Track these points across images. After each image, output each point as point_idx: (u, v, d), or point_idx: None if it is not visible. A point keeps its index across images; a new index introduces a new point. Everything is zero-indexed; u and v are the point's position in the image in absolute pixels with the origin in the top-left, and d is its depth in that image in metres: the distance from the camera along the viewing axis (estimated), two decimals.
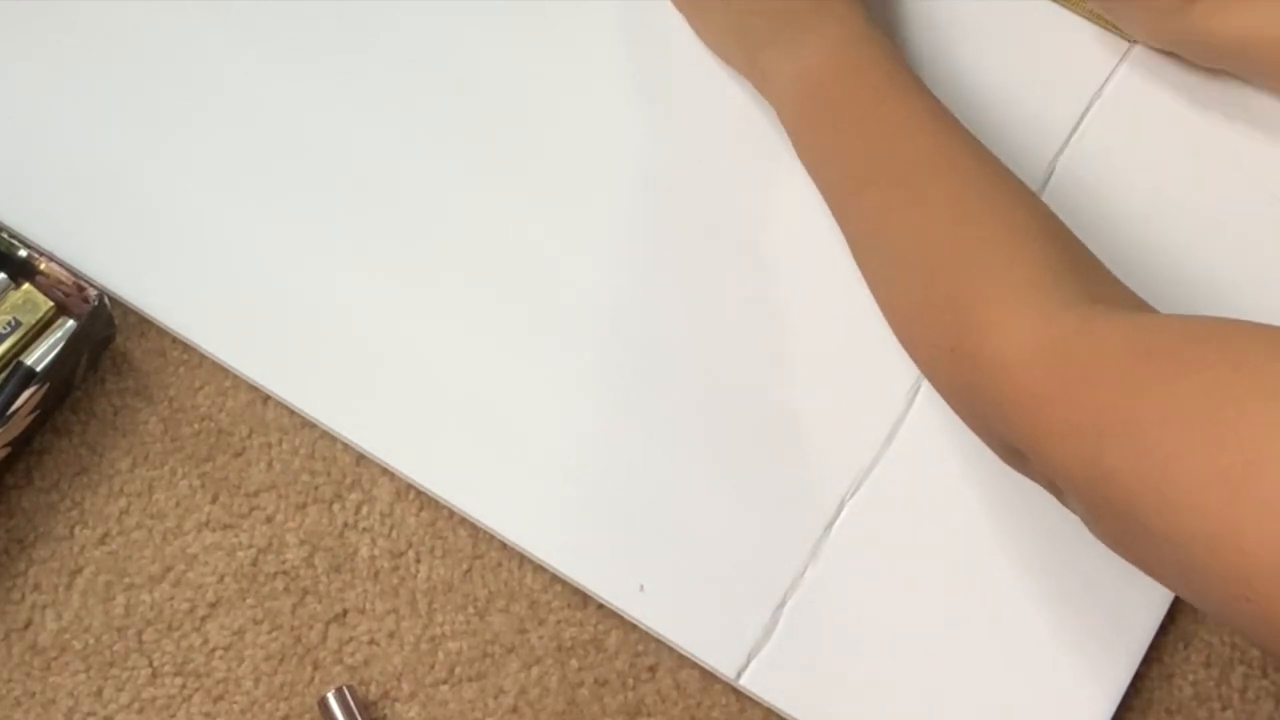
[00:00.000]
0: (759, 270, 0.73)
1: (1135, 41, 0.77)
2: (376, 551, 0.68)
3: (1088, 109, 0.77)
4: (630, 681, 0.67)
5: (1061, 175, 0.75)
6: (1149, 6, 0.73)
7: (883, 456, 0.70)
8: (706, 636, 0.67)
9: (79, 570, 0.68)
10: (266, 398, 0.70)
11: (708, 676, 0.67)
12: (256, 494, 0.69)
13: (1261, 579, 0.45)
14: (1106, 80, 0.77)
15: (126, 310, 0.71)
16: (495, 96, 0.76)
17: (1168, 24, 0.73)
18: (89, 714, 0.66)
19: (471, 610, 0.68)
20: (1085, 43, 0.78)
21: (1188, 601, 0.62)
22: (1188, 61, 0.76)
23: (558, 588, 0.68)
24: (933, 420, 0.70)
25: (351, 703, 0.65)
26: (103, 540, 0.68)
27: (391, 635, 0.67)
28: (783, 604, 0.67)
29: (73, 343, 0.67)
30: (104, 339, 0.70)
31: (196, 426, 0.70)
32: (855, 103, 0.67)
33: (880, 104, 0.66)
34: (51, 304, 0.68)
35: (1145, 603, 0.68)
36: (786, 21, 0.70)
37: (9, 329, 0.67)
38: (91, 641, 0.67)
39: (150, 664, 0.66)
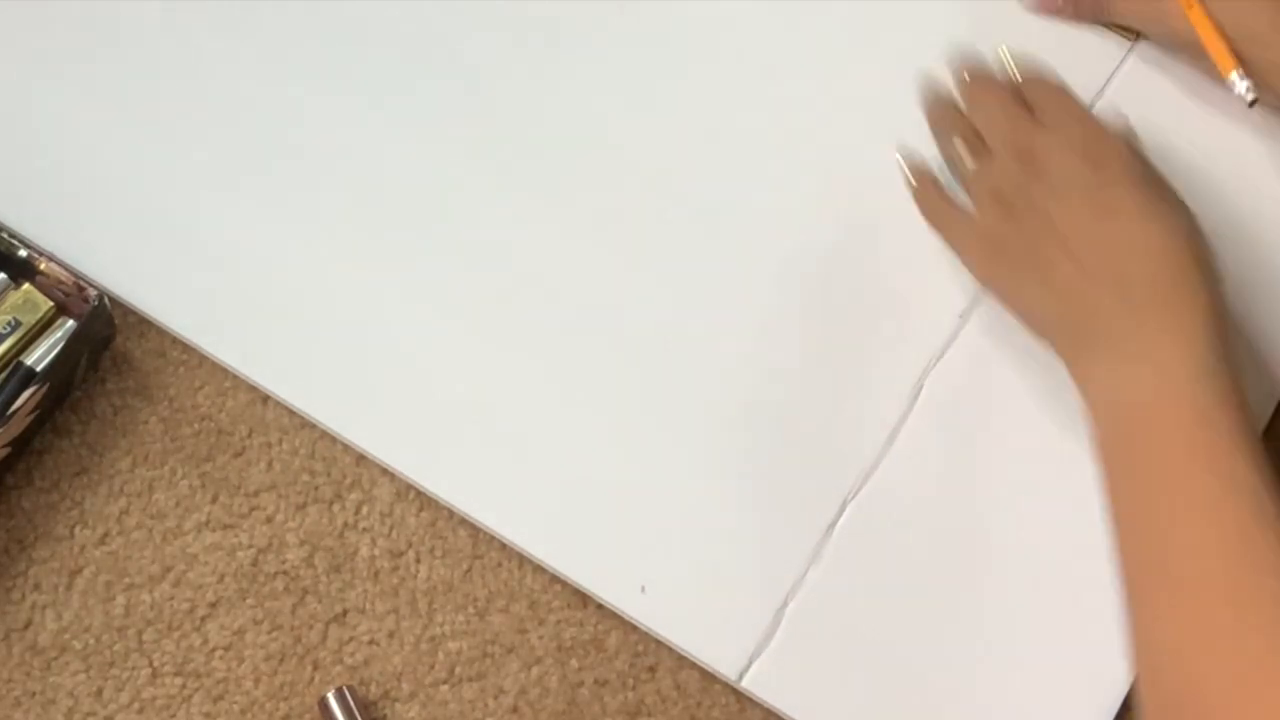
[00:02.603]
0: (760, 271, 0.73)
1: (1136, 40, 0.77)
2: (376, 551, 0.68)
3: (1091, 108, 0.76)
4: (630, 681, 0.67)
5: None
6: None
7: (884, 458, 0.70)
8: (707, 638, 0.67)
9: (79, 570, 0.68)
10: (266, 398, 0.70)
11: (708, 676, 0.67)
12: (256, 494, 0.69)
13: None
14: (1109, 80, 0.77)
15: (126, 310, 0.71)
16: (498, 99, 0.76)
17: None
18: (89, 714, 0.66)
19: (471, 610, 0.68)
20: (1088, 43, 0.78)
21: None
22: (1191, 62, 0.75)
23: (558, 588, 0.68)
24: (935, 422, 0.70)
25: (351, 703, 0.65)
26: (103, 540, 0.68)
27: (391, 635, 0.67)
28: (784, 605, 0.67)
29: (73, 343, 0.67)
30: (104, 339, 0.70)
31: (196, 426, 0.70)
32: (1162, 467, 0.60)
33: (1188, 476, 0.59)
34: (51, 304, 0.68)
35: None
36: (1109, 338, 0.63)
37: (9, 329, 0.67)
38: (91, 641, 0.67)
39: (150, 664, 0.66)
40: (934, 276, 0.72)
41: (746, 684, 0.66)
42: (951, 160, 0.72)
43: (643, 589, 0.67)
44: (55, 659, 0.66)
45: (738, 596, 0.67)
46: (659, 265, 0.73)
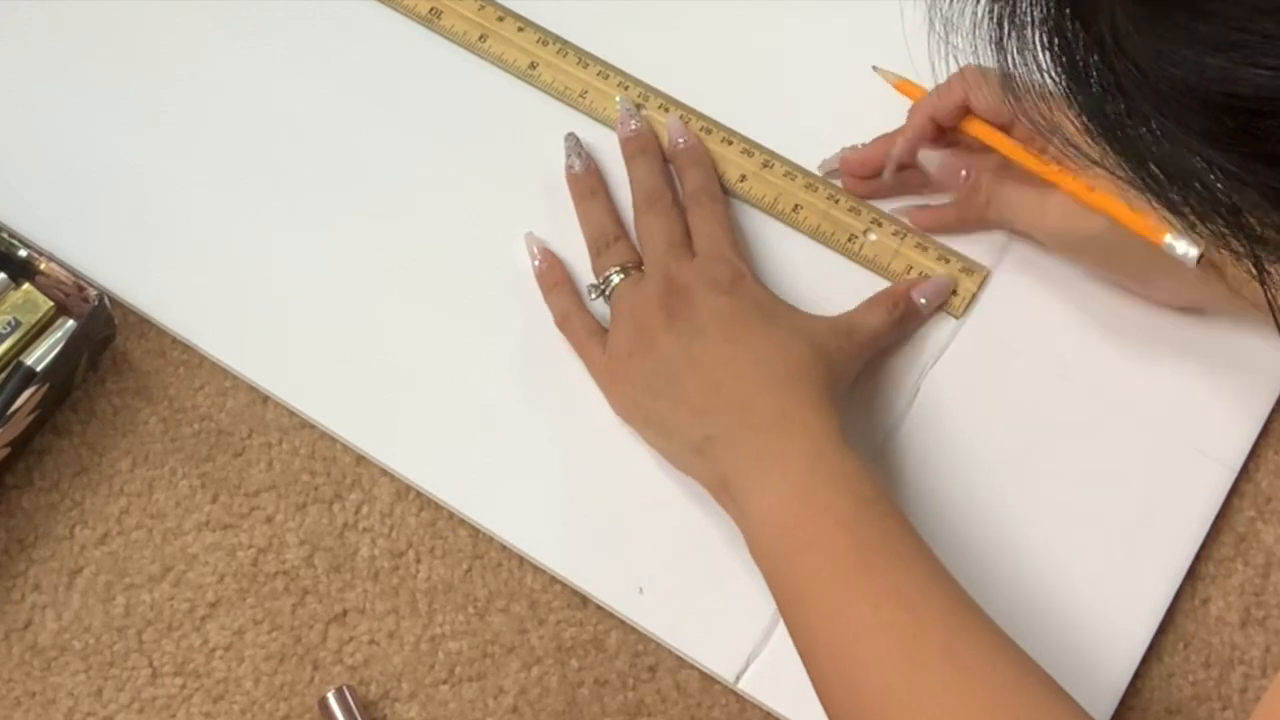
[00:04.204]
0: (759, 272, 0.73)
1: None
2: (376, 551, 0.68)
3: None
4: (630, 681, 0.67)
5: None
6: (1178, 279, 0.68)
7: (882, 458, 0.70)
8: (705, 639, 0.67)
9: (79, 570, 0.68)
10: (266, 398, 0.70)
11: (707, 677, 0.67)
12: (256, 494, 0.69)
13: None
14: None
15: (126, 310, 0.71)
16: (496, 102, 0.76)
17: (1194, 291, 0.68)
18: (89, 714, 0.66)
19: (471, 610, 0.68)
20: None
21: None
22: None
23: (558, 588, 0.68)
24: (932, 422, 0.70)
25: (351, 703, 0.65)
26: (103, 540, 0.68)
27: (391, 635, 0.67)
28: None
29: (73, 343, 0.67)
30: (104, 339, 0.70)
31: (196, 426, 0.70)
32: (820, 591, 0.61)
33: (848, 601, 0.60)
34: (51, 304, 0.68)
35: (1144, 603, 0.68)
36: (745, 455, 0.64)
37: (9, 329, 0.67)
38: (91, 641, 0.67)
39: (150, 664, 0.66)
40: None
41: (744, 685, 0.66)
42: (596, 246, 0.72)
43: (640, 590, 0.67)
44: (55, 659, 0.66)
45: (735, 598, 0.67)
46: None
